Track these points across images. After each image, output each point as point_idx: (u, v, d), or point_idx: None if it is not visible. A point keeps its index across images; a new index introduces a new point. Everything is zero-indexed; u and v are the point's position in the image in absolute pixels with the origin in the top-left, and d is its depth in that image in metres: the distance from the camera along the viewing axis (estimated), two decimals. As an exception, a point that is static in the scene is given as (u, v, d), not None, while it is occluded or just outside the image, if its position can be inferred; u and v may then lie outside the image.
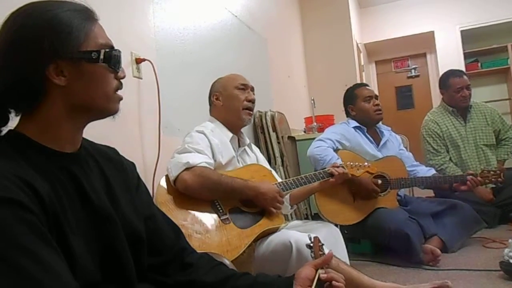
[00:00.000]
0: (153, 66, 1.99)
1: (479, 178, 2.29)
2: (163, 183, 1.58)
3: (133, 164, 0.94)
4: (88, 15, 0.77)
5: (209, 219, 1.50)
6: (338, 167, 1.86)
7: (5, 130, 0.74)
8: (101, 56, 0.75)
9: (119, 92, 0.81)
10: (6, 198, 0.60)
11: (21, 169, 0.65)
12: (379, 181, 2.28)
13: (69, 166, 0.74)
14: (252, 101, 1.80)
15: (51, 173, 0.70)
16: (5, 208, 0.60)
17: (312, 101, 3.79)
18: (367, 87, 2.70)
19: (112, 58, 0.77)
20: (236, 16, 3.18)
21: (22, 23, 0.71)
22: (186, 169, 1.51)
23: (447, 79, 3.07)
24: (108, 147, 0.91)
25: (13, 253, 0.58)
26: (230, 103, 1.78)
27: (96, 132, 0.88)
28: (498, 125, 3.09)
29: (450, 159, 3.02)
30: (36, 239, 0.61)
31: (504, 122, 3.12)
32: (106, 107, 0.78)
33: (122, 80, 0.81)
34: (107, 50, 0.76)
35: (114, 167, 0.86)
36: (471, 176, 2.29)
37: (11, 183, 0.62)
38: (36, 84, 0.71)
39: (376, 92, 2.76)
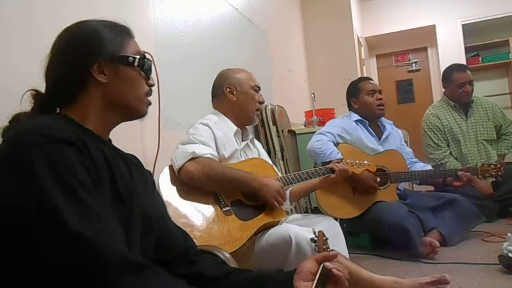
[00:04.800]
0: (153, 59, 1.97)
1: (467, 173, 2.28)
2: (165, 173, 1.58)
3: (150, 172, 1.03)
4: (126, 31, 0.92)
5: (211, 210, 1.51)
6: (339, 163, 1.86)
7: None
8: (136, 61, 0.89)
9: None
10: (70, 141, 0.72)
11: (74, 131, 0.76)
12: (378, 179, 2.28)
13: (103, 147, 0.84)
14: (263, 103, 1.85)
15: (92, 147, 0.79)
16: (69, 148, 0.71)
17: (313, 95, 3.78)
18: (371, 81, 2.70)
19: (145, 65, 0.91)
20: (236, 9, 3.16)
21: (75, 30, 0.88)
22: (191, 159, 1.51)
23: (451, 73, 3.06)
24: (131, 154, 0.98)
25: (76, 186, 0.68)
26: (245, 102, 1.79)
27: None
28: (499, 120, 3.08)
29: (451, 153, 3.02)
30: (92, 184, 0.71)
31: (505, 117, 3.12)
32: (137, 107, 0.90)
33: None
34: (141, 57, 0.90)
35: (135, 168, 0.94)
36: (461, 172, 2.30)
37: (71, 134, 0.73)
38: (82, 77, 0.84)
39: (377, 86, 2.75)
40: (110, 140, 0.92)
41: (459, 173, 2.30)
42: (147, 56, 0.94)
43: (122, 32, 0.91)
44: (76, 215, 0.64)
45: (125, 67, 0.88)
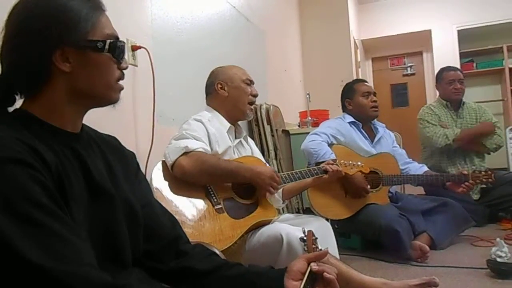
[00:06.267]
0: (149, 54, 1.97)
1: (471, 181, 2.31)
2: (158, 169, 1.57)
3: (133, 154, 0.95)
4: (96, 5, 0.78)
5: (203, 207, 1.50)
6: (332, 164, 1.86)
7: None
8: (106, 46, 0.77)
9: (121, 83, 0.83)
10: (17, 158, 0.61)
11: (28, 139, 0.66)
12: (369, 187, 2.29)
13: (72, 143, 0.76)
14: (256, 96, 1.82)
15: (56, 147, 0.71)
16: (18, 167, 0.61)
17: (308, 96, 3.79)
18: (366, 83, 2.73)
19: (116, 49, 0.79)
20: (234, 7, 3.15)
21: (31, 8, 0.73)
22: (184, 154, 1.51)
23: (442, 73, 3.21)
24: (109, 135, 0.92)
25: (31, 209, 0.60)
26: (237, 96, 1.77)
27: (90, 119, 0.88)
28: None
29: (440, 150, 3.03)
30: (49, 199, 0.62)
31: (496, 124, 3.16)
32: (107, 96, 0.80)
33: (123, 71, 0.83)
34: (112, 40, 0.78)
35: (115, 154, 0.88)
36: (466, 183, 2.31)
37: (19, 147, 0.63)
38: (42, 67, 0.73)
39: (371, 89, 2.79)
40: (83, 128, 0.82)
41: (463, 185, 2.31)
42: (120, 37, 0.81)
43: (93, 7, 0.77)
44: (33, 246, 0.58)
45: (93, 53, 0.76)
